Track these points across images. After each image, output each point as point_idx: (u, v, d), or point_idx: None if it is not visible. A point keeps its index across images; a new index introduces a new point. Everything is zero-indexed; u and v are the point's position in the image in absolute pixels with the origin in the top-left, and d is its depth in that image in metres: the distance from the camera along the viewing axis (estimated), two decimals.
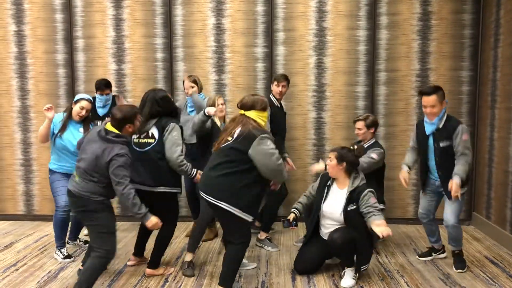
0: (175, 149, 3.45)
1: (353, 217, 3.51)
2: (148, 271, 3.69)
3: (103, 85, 4.41)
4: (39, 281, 3.58)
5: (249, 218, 3.09)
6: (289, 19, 5.08)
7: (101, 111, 4.48)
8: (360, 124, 4.21)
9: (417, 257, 4.09)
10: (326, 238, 3.64)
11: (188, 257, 3.80)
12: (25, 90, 5.30)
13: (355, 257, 3.54)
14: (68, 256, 4.03)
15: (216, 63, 5.17)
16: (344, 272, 3.54)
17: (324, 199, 3.67)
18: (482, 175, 4.91)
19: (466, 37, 4.99)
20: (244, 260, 3.84)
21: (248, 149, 3.05)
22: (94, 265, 3.08)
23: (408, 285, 3.48)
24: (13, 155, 5.37)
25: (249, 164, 3.07)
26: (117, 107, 3.22)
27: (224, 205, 3.04)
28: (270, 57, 5.11)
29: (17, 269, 3.84)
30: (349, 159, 3.59)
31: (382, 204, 4.07)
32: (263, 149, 3.05)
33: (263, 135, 3.09)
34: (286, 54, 5.12)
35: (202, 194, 3.17)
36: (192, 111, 4.53)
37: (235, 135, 3.15)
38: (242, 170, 3.06)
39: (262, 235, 4.40)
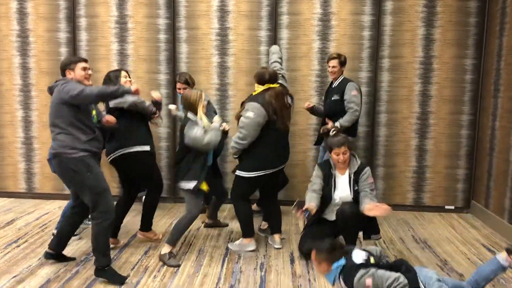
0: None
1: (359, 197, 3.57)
2: (140, 233, 4.02)
3: None
4: (40, 258, 3.61)
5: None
6: (293, 3, 5.04)
7: None
8: (334, 62, 4.35)
9: None
10: (331, 219, 3.65)
11: (166, 248, 3.61)
12: (27, 68, 5.28)
13: (361, 234, 3.65)
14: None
15: (219, 46, 5.14)
16: None
17: (334, 189, 3.66)
18: (483, 163, 4.92)
19: (471, 25, 4.96)
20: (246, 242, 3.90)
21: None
22: (99, 232, 3.15)
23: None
24: (14, 133, 5.37)
25: None
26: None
27: None
28: (273, 40, 5.08)
29: (18, 246, 3.87)
30: (351, 145, 3.63)
31: None
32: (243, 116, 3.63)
33: (247, 105, 3.62)
34: (290, 38, 5.09)
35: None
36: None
37: None
38: None
39: (265, 225, 4.34)
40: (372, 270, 2.73)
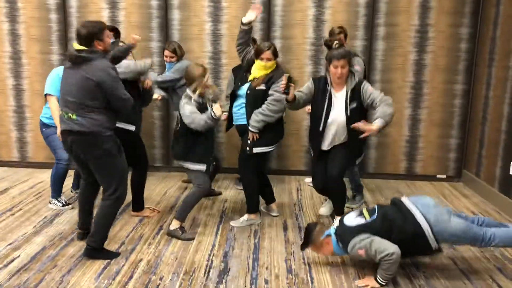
0: None
1: (355, 116, 3.43)
2: (133, 213, 3.91)
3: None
4: (35, 226, 3.64)
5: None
6: None
7: None
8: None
9: None
10: (325, 148, 3.64)
11: (176, 224, 3.57)
12: (16, 35, 5.17)
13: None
14: (67, 203, 4.08)
15: (212, 12, 5.04)
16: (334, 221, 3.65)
17: (329, 106, 3.54)
18: (475, 133, 4.95)
19: None
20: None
21: None
22: (111, 214, 3.12)
23: None
24: (5, 101, 5.31)
25: None
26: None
27: None
28: (267, 7, 4.97)
29: (12, 214, 3.89)
30: (352, 59, 3.58)
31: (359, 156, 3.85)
32: None
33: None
34: (284, 4, 4.98)
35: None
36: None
37: None
38: None
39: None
40: (367, 240, 2.79)
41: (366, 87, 3.49)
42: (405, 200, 2.99)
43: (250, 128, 3.61)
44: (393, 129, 5.14)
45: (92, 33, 2.91)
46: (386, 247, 2.74)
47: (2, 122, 5.36)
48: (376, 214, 2.92)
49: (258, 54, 3.60)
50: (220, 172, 4.64)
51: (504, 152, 4.30)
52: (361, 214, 2.98)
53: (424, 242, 2.81)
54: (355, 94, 3.49)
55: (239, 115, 3.77)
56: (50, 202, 4.09)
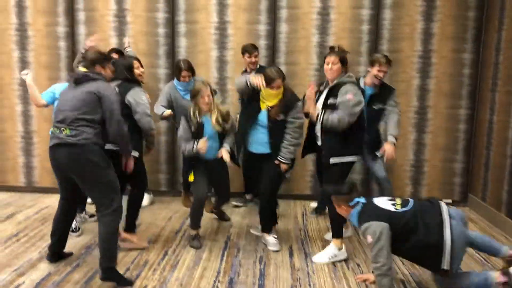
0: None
1: (332, 109, 3.49)
2: (124, 234, 3.73)
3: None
4: (40, 251, 3.64)
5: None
6: None
7: None
8: (385, 67, 4.08)
9: None
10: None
11: (191, 232, 3.91)
12: (26, 62, 5.28)
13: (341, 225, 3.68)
14: (76, 229, 4.04)
15: (218, 40, 5.14)
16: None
17: (316, 101, 3.61)
18: (480, 157, 4.95)
19: (470, 19, 4.95)
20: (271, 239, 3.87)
21: None
22: (113, 231, 3.07)
23: (403, 263, 3.54)
24: (14, 127, 5.38)
25: None
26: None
27: None
28: (272, 34, 5.08)
29: (18, 240, 3.90)
30: (346, 59, 3.58)
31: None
32: None
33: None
34: (288, 31, 5.08)
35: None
36: (186, 94, 4.51)
37: None
38: None
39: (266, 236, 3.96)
40: (379, 234, 2.76)
41: (345, 90, 3.45)
42: (443, 206, 2.92)
43: (283, 160, 3.66)
44: (398, 154, 5.12)
45: (97, 58, 3.21)
46: (383, 256, 2.74)
47: (10, 148, 5.42)
48: (408, 207, 2.89)
49: (269, 82, 3.55)
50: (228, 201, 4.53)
51: (510, 176, 4.29)
52: (393, 201, 2.96)
53: (437, 258, 2.76)
54: (334, 91, 3.50)
55: (260, 143, 3.75)
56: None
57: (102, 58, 3.28)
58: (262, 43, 5.10)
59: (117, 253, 3.11)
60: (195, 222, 3.88)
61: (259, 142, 3.74)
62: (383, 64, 4.02)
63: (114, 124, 3.11)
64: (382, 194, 4.28)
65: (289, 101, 3.65)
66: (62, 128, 3.04)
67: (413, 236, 2.78)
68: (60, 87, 4.00)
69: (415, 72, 5.05)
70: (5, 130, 5.39)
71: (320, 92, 3.68)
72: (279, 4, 5.05)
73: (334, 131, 3.47)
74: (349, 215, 3.06)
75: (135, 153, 3.66)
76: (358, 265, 3.50)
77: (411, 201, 2.98)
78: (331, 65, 3.52)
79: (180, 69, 4.40)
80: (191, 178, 3.87)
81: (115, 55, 4.58)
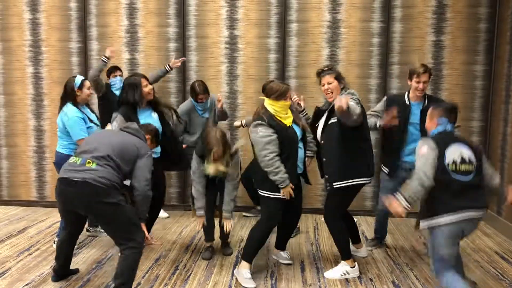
0: None
1: (332, 129, 3.34)
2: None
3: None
4: (52, 266, 3.62)
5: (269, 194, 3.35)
6: (302, 11, 5.06)
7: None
8: (425, 77, 3.74)
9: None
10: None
11: (206, 243, 3.97)
12: (39, 77, 5.35)
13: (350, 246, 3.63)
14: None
15: (229, 54, 5.17)
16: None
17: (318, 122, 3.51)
18: (494, 170, 4.87)
19: (481, 31, 4.94)
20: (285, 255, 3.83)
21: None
22: (133, 263, 2.95)
23: (417, 278, 3.49)
24: (26, 141, 5.43)
25: None
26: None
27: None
28: (282, 48, 5.10)
29: (30, 254, 3.91)
30: (340, 75, 3.43)
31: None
32: (254, 138, 3.28)
33: (256, 122, 3.26)
34: (298, 45, 5.10)
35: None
36: (204, 113, 4.64)
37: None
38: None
39: (275, 251, 3.93)
40: (434, 150, 2.72)
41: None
42: None
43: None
44: None
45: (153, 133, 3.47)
46: (426, 167, 2.71)
47: (23, 162, 5.47)
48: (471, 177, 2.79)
49: (282, 95, 3.32)
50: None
51: None
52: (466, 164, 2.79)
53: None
54: (333, 109, 3.24)
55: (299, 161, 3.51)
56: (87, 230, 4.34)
57: (154, 135, 3.43)
58: (272, 56, 5.12)
59: (132, 281, 3.01)
60: (207, 234, 3.93)
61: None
62: (421, 75, 3.70)
63: (143, 182, 3.06)
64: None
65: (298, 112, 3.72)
66: (88, 160, 2.93)
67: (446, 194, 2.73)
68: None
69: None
70: (18, 144, 5.45)
71: (321, 112, 3.51)
72: (289, 18, 5.08)
73: (335, 152, 3.34)
74: (429, 129, 2.94)
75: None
76: (371, 280, 3.45)
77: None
78: (327, 85, 3.36)
79: (196, 93, 4.53)
80: None
81: (119, 73, 4.76)
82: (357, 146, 3.34)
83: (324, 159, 3.44)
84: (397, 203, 2.75)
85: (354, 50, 5.05)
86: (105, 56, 4.61)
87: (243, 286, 3.31)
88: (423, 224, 2.82)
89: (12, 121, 5.43)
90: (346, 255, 3.52)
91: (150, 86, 3.74)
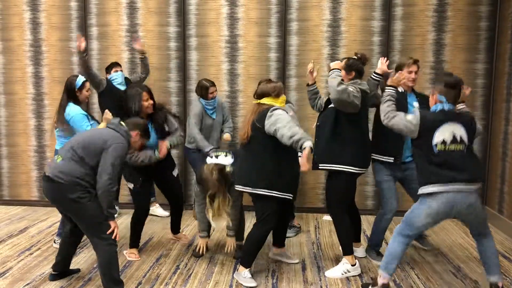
0: None
1: (329, 114, 3.46)
2: (171, 235, 4.28)
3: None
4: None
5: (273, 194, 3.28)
6: (302, 9, 5.05)
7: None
8: (414, 67, 3.72)
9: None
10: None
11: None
12: (40, 77, 5.35)
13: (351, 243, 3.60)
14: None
15: (229, 53, 5.17)
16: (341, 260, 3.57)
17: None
18: (495, 169, 4.87)
19: (482, 29, 4.93)
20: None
21: (264, 125, 3.20)
22: (109, 259, 2.98)
23: (418, 277, 3.48)
24: (27, 141, 5.43)
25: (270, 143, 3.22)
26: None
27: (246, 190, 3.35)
28: (283, 47, 5.09)
29: (31, 253, 3.91)
30: (357, 67, 3.44)
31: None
32: (275, 117, 3.17)
33: (273, 108, 3.25)
34: (299, 44, 5.10)
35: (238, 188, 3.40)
36: (213, 113, 4.64)
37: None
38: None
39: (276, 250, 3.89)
40: (419, 118, 2.91)
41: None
42: None
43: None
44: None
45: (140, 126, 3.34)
46: (396, 119, 3.00)
47: (24, 162, 5.47)
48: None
49: (281, 91, 3.40)
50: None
51: None
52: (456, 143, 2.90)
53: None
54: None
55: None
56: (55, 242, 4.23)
57: (142, 129, 3.30)
58: (272, 55, 5.12)
59: (119, 281, 3.05)
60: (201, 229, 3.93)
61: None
62: (411, 65, 3.67)
63: (104, 176, 2.93)
64: None
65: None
66: (58, 154, 3.03)
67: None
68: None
69: (427, 83, 5.01)
70: (18, 144, 5.45)
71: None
72: (289, 17, 5.07)
73: (326, 135, 3.40)
74: (431, 105, 3.04)
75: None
76: (372, 279, 3.44)
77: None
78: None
79: (206, 87, 4.54)
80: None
81: (118, 68, 4.73)
82: (349, 133, 3.38)
83: (316, 139, 3.50)
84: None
85: (354, 49, 5.02)
86: (140, 54, 4.70)
87: (245, 286, 3.31)
88: (420, 191, 2.94)
89: (12, 120, 5.43)
90: (347, 250, 3.52)
91: (150, 101, 3.72)
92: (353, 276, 3.49)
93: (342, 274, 3.48)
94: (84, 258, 3.81)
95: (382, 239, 3.86)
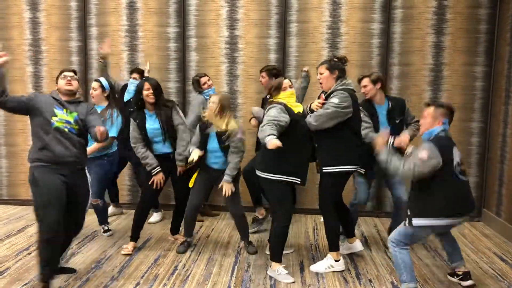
0: None
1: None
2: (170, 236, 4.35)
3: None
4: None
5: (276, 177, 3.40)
6: (302, 11, 5.06)
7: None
8: (365, 81, 4.00)
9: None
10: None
11: (187, 238, 4.12)
12: (39, 77, 5.35)
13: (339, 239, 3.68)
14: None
15: (229, 54, 5.17)
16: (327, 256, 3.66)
17: None
18: (494, 171, 4.88)
19: (481, 32, 4.94)
20: None
21: None
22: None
23: (416, 280, 3.48)
24: (26, 141, 5.43)
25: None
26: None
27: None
28: (282, 48, 5.10)
29: (29, 253, 3.91)
30: (339, 67, 3.48)
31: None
32: (265, 116, 3.36)
33: (272, 105, 3.41)
34: (298, 45, 5.10)
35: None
36: None
37: None
38: None
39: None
40: (436, 158, 2.86)
41: (333, 95, 3.41)
42: None
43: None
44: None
45: None
46: (417, 170, 2.90)
47: (22, 161, 5.46)
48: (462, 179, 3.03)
49: (280, 87, 3.48)
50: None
51: None
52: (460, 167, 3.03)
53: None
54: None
55: None
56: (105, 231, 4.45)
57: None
58: (272, 57, 5.12)
59: (42, 260, 3.03)
60: (188, 230, 4.06)
61: None
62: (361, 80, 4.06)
63: None
64: (399, 216, 4.15)
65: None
66: None
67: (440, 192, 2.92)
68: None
69: (426, 85, 5.02)
70: (17, 143, 5.45)
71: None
72: (289, 19, 5.07)
73: (325, 140, 3.47)
74: (431, 128, 3.05)
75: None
76: (370, 281, 3.45)
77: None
78: (319, 75, 3.54)
79: (197, 80, 4.63)
80: (191, 183, 3.94)
81: (136, 75, 4.73)
82: (345, 135, 3.45)
83: (316, 144, 3.56)
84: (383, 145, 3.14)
85: (354, 51, 5.05)
86: (101, 57, 4.64)
87: (283, 282, 3.38)
88: (416, 222, 2.96)
89: (11, 120, 5.42)
90: (333, 246, 3.62)
91: (150, 91, 3.84)
92: (337, 271, 3.58)
93: (326, 269, 3.58)
94: (82, 258, 3.81)
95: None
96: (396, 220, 4.09)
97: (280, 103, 3.41)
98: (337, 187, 3.57)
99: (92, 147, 3.92)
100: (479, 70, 4.98)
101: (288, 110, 3.39)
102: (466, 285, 3.29)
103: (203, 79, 4.62)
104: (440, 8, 4.94)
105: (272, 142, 3.03)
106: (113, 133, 4.03)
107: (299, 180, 3.45)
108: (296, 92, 3.78)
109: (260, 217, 4.65)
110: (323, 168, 3.48)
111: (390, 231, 4.26)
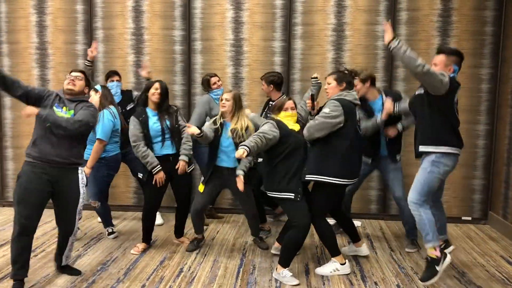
0: None
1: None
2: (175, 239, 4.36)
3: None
4: (55, 267, 3.64)
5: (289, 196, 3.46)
6: (307, 13, 5.06)
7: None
8: (355, 81, 3.93)
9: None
10: None
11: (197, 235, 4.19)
12: (45, 79, 5.38)
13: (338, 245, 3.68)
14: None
15: (234, 56, 5.19)
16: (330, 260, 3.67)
17: None
18: (500, 174, 4.86)
19: (487, 34, 4.92)
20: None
21: None
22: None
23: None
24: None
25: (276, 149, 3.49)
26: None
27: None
28: (287, 51, 5.11)
29: (36, 255, 3.92)
30: (348, 79, 3.59)
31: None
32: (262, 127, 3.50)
33: (268, 120, 3.57)
34: (303, 48, 5.11)
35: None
36: None
37: None
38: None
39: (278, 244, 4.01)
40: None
41: (326, 104, 3.52)
42: None
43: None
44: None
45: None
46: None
47: None
48: None
49: (281, 108, 3.62)
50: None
51: None
52: None
53: None
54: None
55: None
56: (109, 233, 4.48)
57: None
58: (277, 59, 5.13)
59: (11, 256, 3.15)
60: (196, 227, 4.13)
61: None
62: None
63: None
64: (401, 213, 4.21)
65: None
66: None
67: None
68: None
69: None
70: (24, 146, 5.46)
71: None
72: (294, 21, 5.08)
73: (314, 149, 3.52)
74: (449, 72, 3.24)
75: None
76: (376, 284, 3.44)
77: None
78: (327, 85, 3.63)
79: (207, 80, 4.67)
80: (201, 188, 3.97)
81: (116, 77, 4.78)
82: (334, 145, 3.44)
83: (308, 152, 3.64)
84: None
85: (359, 53, 5.05)
86: (88, 61, 4.68)
87: (288, 285, 3.39)
88: (429, 148, 3.29)
89: (18, 122, 5.46)
90: (334, 252, 3.62)
91: (158, 91, 3.93)
92: (343, 274, 3.55)
93: (331, 272, 3.58)
94: (88, 260, 3.83)
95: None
96: (405, 220, 4.21)
97: (274, 119, 3.57)
98: (326, 200, 3.57)
99: (91, 156, 3.99)
100: (485, 72, 4.96)
101: (280, 126, 3.50)
102: (450, 250, 3.49)
103: (213, 79, 4.64)
104: (446, 10, 4.93)
105: (239, 153, 3.21)
106: (98, 134, 3.98)
107: (293, 195, 3.45)
108: (301, 104, 4.05)
109: (267, 229, 4.61)
110: (305, 175, 3.48)
111: (408, 235, 4.26)
